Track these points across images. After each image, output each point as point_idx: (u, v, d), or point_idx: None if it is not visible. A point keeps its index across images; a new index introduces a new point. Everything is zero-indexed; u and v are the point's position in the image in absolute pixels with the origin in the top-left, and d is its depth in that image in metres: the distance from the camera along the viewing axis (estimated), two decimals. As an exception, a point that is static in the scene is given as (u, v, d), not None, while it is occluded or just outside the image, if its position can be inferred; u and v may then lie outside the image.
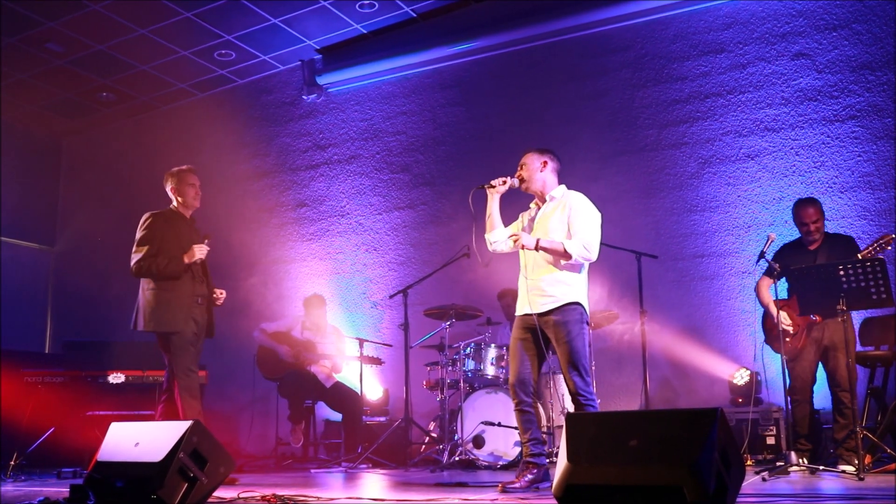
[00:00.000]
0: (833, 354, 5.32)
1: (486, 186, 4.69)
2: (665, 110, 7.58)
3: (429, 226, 8.47)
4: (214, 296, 5.49)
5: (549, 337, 4.47)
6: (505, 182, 4.66)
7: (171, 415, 5.21)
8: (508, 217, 4.82)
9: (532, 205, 4.81)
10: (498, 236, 4.71)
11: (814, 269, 5.05)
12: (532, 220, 4.70)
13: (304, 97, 9.31)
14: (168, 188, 5.63)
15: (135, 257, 5.32)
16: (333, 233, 8.95)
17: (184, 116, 10.02)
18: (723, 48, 7.42)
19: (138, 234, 5.42)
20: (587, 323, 4.52)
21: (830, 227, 6.55)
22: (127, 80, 9.44)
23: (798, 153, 7.00)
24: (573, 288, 4.49)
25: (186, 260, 5.31)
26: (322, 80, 9.14)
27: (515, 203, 4.93)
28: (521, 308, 4.59)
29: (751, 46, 7.31)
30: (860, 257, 5.04)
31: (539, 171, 4.69)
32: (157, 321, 5.24)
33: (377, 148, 8.92)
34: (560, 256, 4.45)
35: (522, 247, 4.47)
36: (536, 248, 4.44)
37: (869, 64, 6.84)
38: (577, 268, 4.52)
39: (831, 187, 6.80)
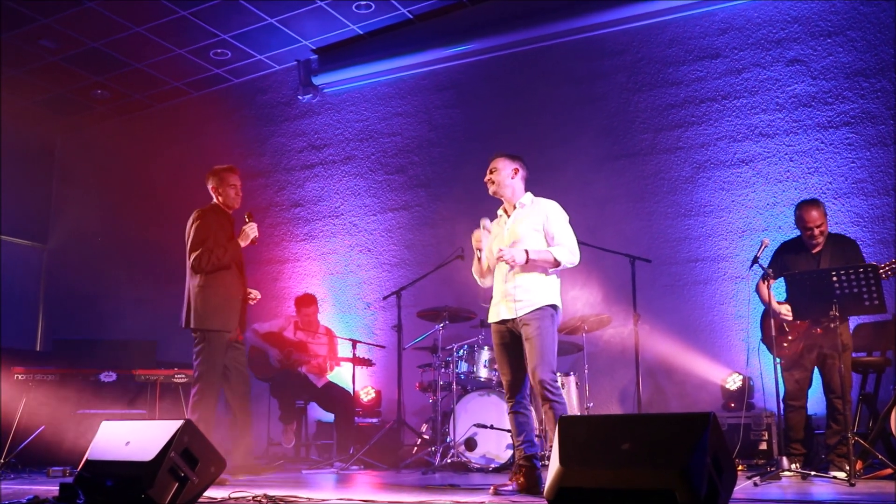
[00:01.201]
0: (830, 361, 5.32)
1: (476, 252, 4.66)
2: (660, 115, 7.59)
3: (423, 227, 8.47)
4: (251, 296, 5.53)
5: (521, 334, 4.48)
6: (480, 238, 4.62)
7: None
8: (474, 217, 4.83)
9: (500, 212, 4.79)
10: (490, 282, 4.73)
11: (807, 274, 5.05)
12: (503, 227, 4.68)
13: (299, 97, 9.30)
14: (209, 186, 5.69)
15: (193, 256, 5.35)
16: (327, 233, 8.94)
17: (178, 115, 10.01)
18: (718, 53, 7.44)
19: (190, 234, 5.44)
20: (557, 323, 4.55)
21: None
22: (121, 78, 9.42)
23: (792, 159, 7.02)
24: (548, 291, 4.51)
25: (242, 243, 5.36)
26: (318, 81, 9.13)
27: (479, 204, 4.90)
28: (495, 314, 4.59)
29: (746, 52, 7.33)
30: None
31: (510, 177, 4.67)
32: (201, 318, 5.27)
33: (372, 149, 8.91)
34: (549, 266, 4.49)
35: (514, 261, 4.41)
36: (526, 262, 4.43)
37: (863, 71, 6.86)
38: (553, 271, 4.57)
39: (825, 193, 6.81)
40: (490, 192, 4.71)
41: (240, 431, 5.43)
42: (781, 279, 5.36)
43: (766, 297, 5.54)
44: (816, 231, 5.42)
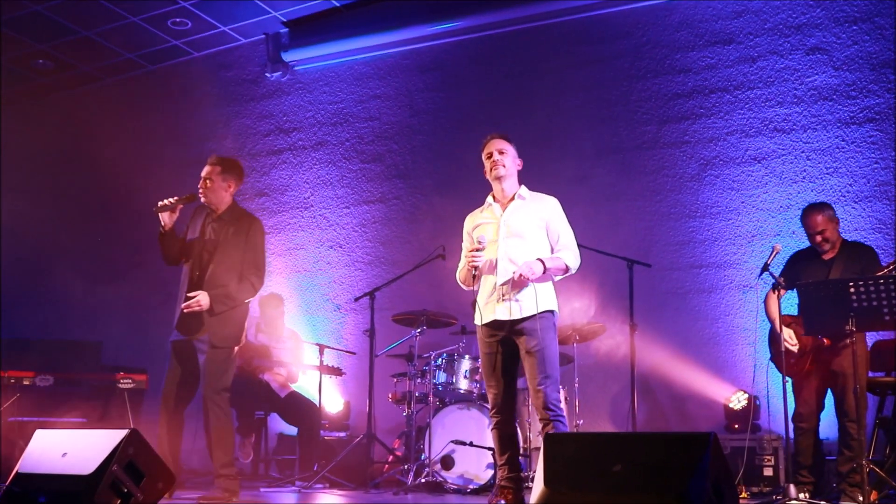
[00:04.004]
0: (842, 381, 5.35)
1: (473, 270, 4.56)
2: (665, 105, 7.63)
3: (401, 222, 8.47)
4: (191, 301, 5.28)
5: (518, 345, 4.48)
6: (479, 257, 4.54)
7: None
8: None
9: (490, 200, 4.76)
10: (476, 286, 4.67)
11: (822, 284, 5.09)
12: (497, 218, 4.67)
13: (267, 75, 9.27)
14: None
15: None
16: (295, 226, 8.92)
17: (131, 90, 9.95)
18: (731, 39, 7.49)
19: None
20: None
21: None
22: (67, 47, 9.34)
23: (809, 157, 7.07)
24: (548, 295, 4.55)
25: (164, 226, 5.31)
26: (288, 57, 9.10)
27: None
28: (489, 314, 4.57)
29: (762, 38, 7.37)
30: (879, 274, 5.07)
31: (516, 166, 4.71)
32: None
33: (347, 134, 8.90)
34: (559, 273, 4.56)
35: (532, 275, 4.40)
36: (544, 273, 4.45)
37: (891, 62, 6.91)
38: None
39: (844, 196, 6.88)
40: (493, 175, 4.67)
41: None
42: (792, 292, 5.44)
43: (772, 314, 5.63)
44: (819, 238, 5.52)
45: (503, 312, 4.48)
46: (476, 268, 4.51)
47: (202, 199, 5.47)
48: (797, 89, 7.21)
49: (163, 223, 5.29)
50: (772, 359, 5.77)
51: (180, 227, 5.44)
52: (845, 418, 5.34)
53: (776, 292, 5.46)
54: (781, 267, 5.77)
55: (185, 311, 5.22)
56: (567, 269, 4.54)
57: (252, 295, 5.43)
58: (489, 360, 4.58)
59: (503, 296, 4.49)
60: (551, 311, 4.53)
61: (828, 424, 5.74)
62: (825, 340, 5.38)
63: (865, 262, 5.44)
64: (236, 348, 5.47)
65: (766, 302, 5.76)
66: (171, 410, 5.32)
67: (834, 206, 6.77)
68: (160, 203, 5.28)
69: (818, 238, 5.52)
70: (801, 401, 5.47)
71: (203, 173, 5.51)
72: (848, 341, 5.09)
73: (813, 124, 7.11)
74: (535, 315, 4.44)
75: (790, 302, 5.82)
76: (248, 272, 5.36)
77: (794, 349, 5.43)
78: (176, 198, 5.31)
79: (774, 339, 5.68)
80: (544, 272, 4.43)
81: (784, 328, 5.47)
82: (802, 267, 5.56)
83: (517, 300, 4.46)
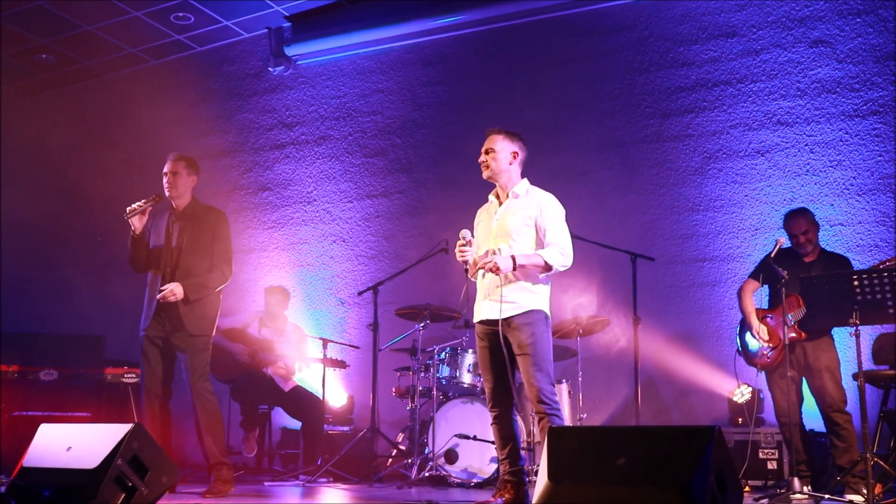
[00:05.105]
0: (818, 375, 5.40)
1: (463, 265, 4.56)
2: (668, 98, 7.62)
3: (404, 216, 8.47)
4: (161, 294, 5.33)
5: (511, 341, 4.48)
6: (464, 252, 4.53)
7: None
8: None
9: (492, 198, 4.77)
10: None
11: (825, 277, 5.08)
12: (492, 217, 4.67)
13: (270, 69, 9.27)
14: None
15: None
16: (298, 221, 8.92)
17: (133, 85, 9.94)
18: (734, 32, 7.47)
19: None
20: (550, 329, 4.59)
21: (847, 233, 6.68)
22: (69, 42, 9.34)
23: (813, 150, 7.06)
24: (538, 295, 4.53)
25: (134, 229, 5.37)
26: (291, 51, 9.09)
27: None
28: (480, 313, 4.60)
29: (765, 31, 7.36)
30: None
31: (508, 162, 4.62)
32: None
33: (350, 129, 8.90)
34: (539, 270, 4.47)
35: (498, 270, 4.38)
36: (514, 269, 4.40)
37: (894, 54, 6.89)
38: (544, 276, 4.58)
39: (848, 189, 6.86)
40: (484, 175, 4.68)
41: None
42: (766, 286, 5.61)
43: (747, 307, 5.71)
44: (803, 239, 5.57)
45: (489, 312, 4.51)
46: (466, 262, 4.53)
47: (168, 195, 5.56)
48: (800, 82, 7.19)
49: (133, 228, 5.38)
50: (739, 351, 5.79)
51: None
52: (830, 410, 5.38)
53: (758, 282, 5.65)
54: (759, 263, 5.83)
55: (160, 301, 5.28)
56: (547, 265, 4.43)
57: (223, 282, 5.53)
58: (482, 354, 4.61)
59: (488, 295, 4.52)
60: (541, 310, 4.51)
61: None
62: (802, 334, 5.42)
63: (839, 269, 5.51)
64: (212, 335, 5.53)
65: (740, 293, 5.81)
66: (156, 406, 5.36)
67: (837, 199, 6.84)
68: (129, 208, 5.36)
69: (802, 238, 5.58)
70: (779, 394, 5.49)
71: (167, 169, 5.60)
72: (824, 339, 5.35)
73: (816, 117, 7.10)
74: (521, 314, 4.44)
75: (760, 294, 5.85)
76: (218, 261, 5.49)
77: (764, 344, 5.51)
78: (144, 200, 5.40)
79: (745, 331, 5.76)
80: (514, 269, 4.39)
81: (758, 323, 5.59)
82: (786, 265, 5.55)
83: (509, 301, 4.45)
